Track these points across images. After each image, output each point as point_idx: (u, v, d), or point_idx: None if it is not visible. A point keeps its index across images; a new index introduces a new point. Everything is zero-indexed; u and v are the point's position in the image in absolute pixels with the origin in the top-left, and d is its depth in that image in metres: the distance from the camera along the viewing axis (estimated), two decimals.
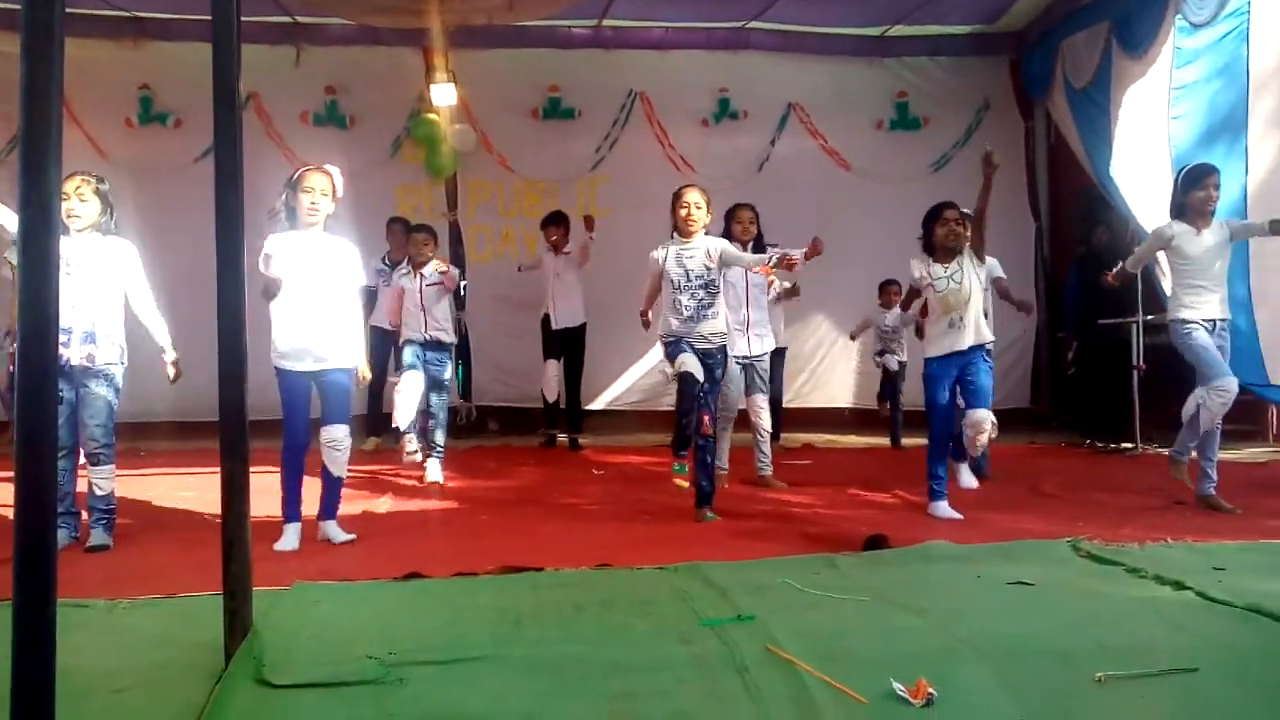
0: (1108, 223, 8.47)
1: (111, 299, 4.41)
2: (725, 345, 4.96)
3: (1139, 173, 7.55)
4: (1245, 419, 7.55)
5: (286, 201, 4.37)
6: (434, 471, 6.20)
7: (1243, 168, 6.51)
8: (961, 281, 4.88)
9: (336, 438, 4.39)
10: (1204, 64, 6.91)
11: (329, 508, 4.45)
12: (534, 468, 7.11)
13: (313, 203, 4.31)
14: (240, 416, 2.57)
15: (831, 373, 9.68)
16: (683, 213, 4.85)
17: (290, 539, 4.29)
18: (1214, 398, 4.83)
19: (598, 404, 9.27)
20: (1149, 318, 7.20)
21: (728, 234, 5.89)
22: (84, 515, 4.48)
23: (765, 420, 6.04)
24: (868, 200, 9.39)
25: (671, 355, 4.89)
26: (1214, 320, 4.91)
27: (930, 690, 2.29)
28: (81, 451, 4.41)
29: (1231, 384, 4.84)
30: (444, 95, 8.73)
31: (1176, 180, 5.13)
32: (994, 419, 4.85)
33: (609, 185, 9.33)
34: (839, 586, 3.31)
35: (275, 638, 2.72)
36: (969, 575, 3.48)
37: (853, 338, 8.68)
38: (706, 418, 4.87)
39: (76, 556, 4.16)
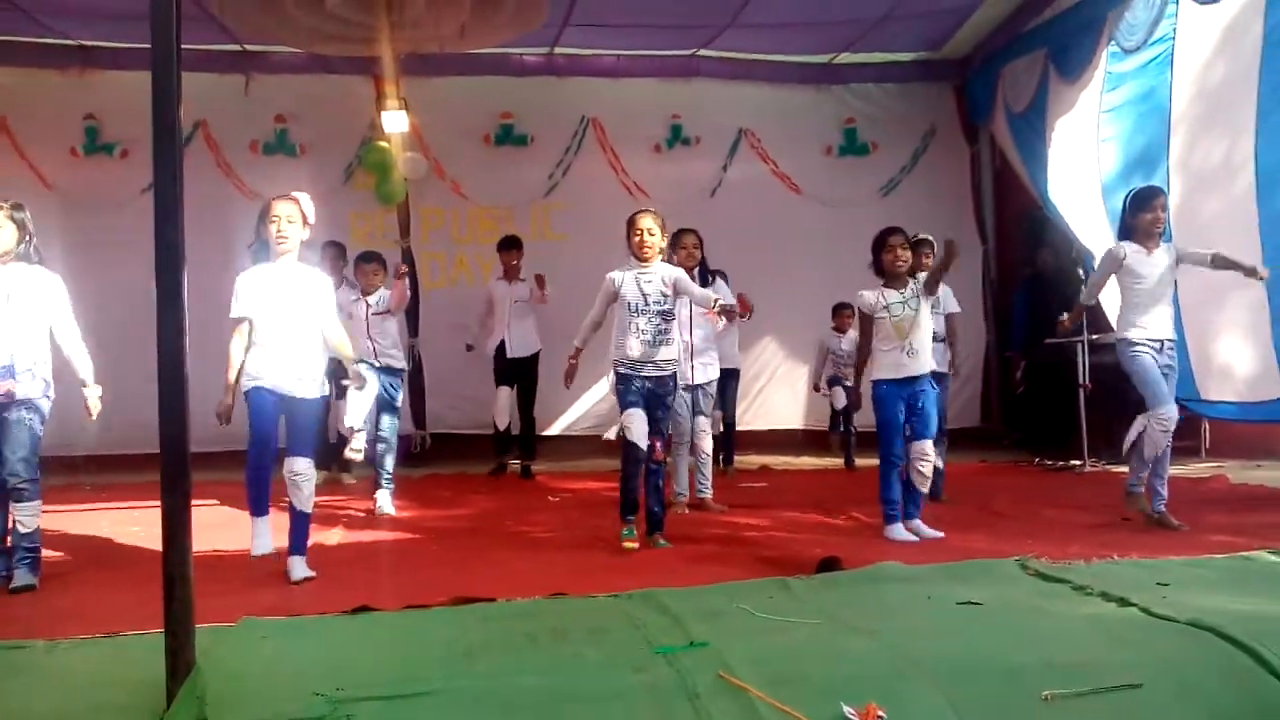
0: (1052, 244, 8.66)
1: (35, 331, 4.27)
2: (677, 372, 5.00)
3: (1074, 194, 7.75)
4: (1182, 434, 7.72)
5: (259, 234, 4.35)
6: (384, 502, 6.13)
7: (1164, 188, 6.69)
8: (917, 308, 4.95)
9: (300, 470, 4.29)
10: (1131, 88, 7.14)
11: (297, 544, 4.32)
12: (488, 496, 7.06)
13: (279, 230, 4.28)
14: (181, 450, 2.53)
15: (783, 394, 9.76)
16: (636, 239, 4.88)
17: (263, 539, 4.20)
18: (1155, 427, 4.93)
19: (553, 430, 9.24)
20: (1094, 337, 7.34)
21: (671, 260, 5.91)
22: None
23: (707, 444, 6.08)
24: (819, 224, 9.52)
25: (621, 398, 4.87)
26: (1161, 340, 5.00)
27: (880, 713, 2.31)
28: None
29: (1172, 412, 4.93)
30: (395, 122, 8.72)
31: (1125, 202, 5.20)
32: (934, 456, 5.00)
33: (563, 211, 9.38)
34: (792, 610, 3.31)
35: (219, 676, 2.66)
36: (920, 596, 3.50)
37: (816, 388, 8.52)
38: (659, 444, 4.90)
39: (8, 597, 4.05)
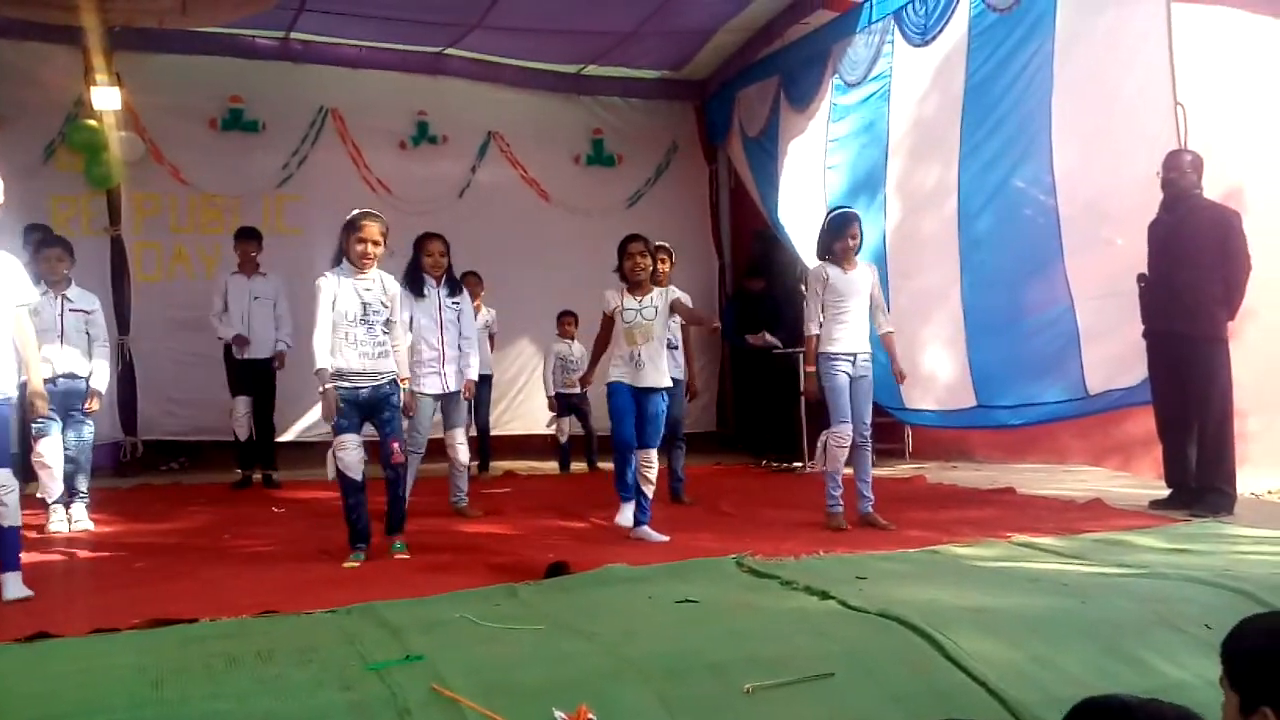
0: (780, 263, 9.17)
1: None
2: (395, 379, 4.72)
3: (802, 216, 8.29)
4: (888, 439, 8.46)
5: None
6: (81, 516, 5.56)
7: (882, 215, 7.30)
8: (652, 318, 5.07)
9: (1, 482, 3.83)
10: (854, 120, 7.72)
11: (9, 560, 3.87)
12: (205, 508, 6.53)
13: None
14: None
15: (533, 399, 9.75)
16: (360, 247, 4.58)
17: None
18: (832, 442, 5.29)
19: (288, 435, 8.74)
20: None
21: (416, 265, 5.72)
22: None
23: (463, 454, 5.96)
24: (568, 231, 9.63)
25: (338, 428, 4.55)
26: (855, 353, 5.33)
27: (590, 715, 2.34)
28: None
29: (846, 430, 5.25)
30: (106, 100, 7.93)
31: (824, 225, 5.54)
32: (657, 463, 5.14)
33: (299, 204, 8.90)
34: (516, 617, 3.29)
35: None
36: (642, 596, 3.57)
37: (552, 408, 8.41)
38: (396, 445, 4.70)
39: None
